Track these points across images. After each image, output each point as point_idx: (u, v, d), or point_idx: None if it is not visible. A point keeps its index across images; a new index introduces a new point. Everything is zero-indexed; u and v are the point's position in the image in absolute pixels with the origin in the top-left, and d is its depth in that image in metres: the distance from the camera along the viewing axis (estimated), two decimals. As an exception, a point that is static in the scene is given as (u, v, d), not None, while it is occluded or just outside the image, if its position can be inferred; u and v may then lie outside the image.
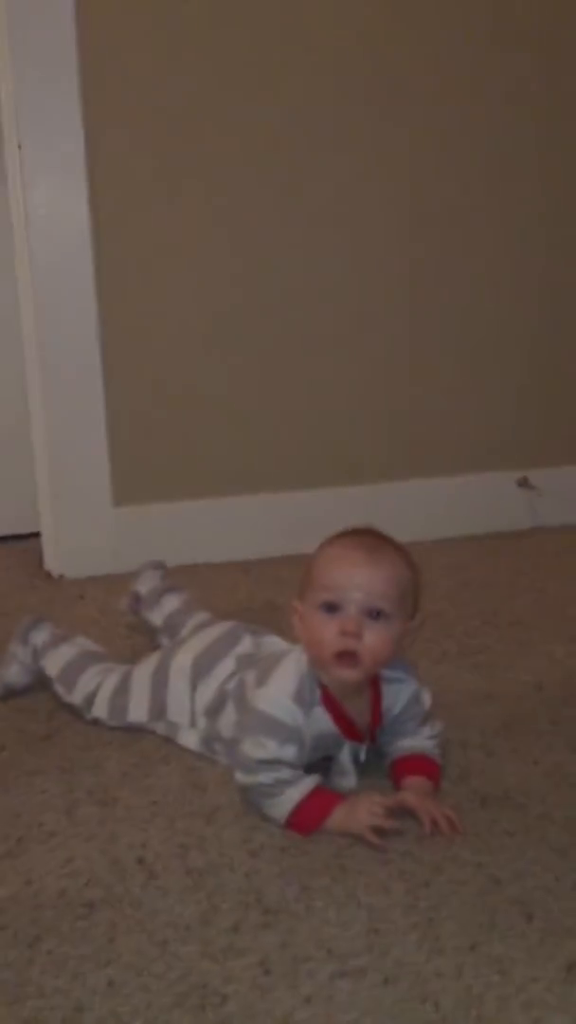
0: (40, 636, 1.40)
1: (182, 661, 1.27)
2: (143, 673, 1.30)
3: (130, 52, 1.70)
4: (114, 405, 1.82)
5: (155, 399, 1.85)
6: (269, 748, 1.09)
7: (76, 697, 1.33)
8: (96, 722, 1.32)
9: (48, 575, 1.85)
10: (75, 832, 1.11)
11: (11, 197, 1.75)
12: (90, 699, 1.32)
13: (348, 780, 1.16)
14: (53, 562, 1.85)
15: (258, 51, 1.75)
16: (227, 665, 1.24)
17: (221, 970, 0.91)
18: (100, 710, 1.31)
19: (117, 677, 1.32)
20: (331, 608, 1.08)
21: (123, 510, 1.85)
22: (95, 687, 1.32)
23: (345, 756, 1.15)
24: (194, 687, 1.25)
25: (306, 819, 1.08)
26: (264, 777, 1.09)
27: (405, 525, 1.92)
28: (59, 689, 1.35)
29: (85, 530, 1.84)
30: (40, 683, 1.40)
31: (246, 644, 1.27)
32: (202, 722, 1.24)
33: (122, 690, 1.30)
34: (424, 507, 1.97)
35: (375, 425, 1.96)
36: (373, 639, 1.07)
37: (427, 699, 1.20)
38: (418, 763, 1.16)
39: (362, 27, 1.78)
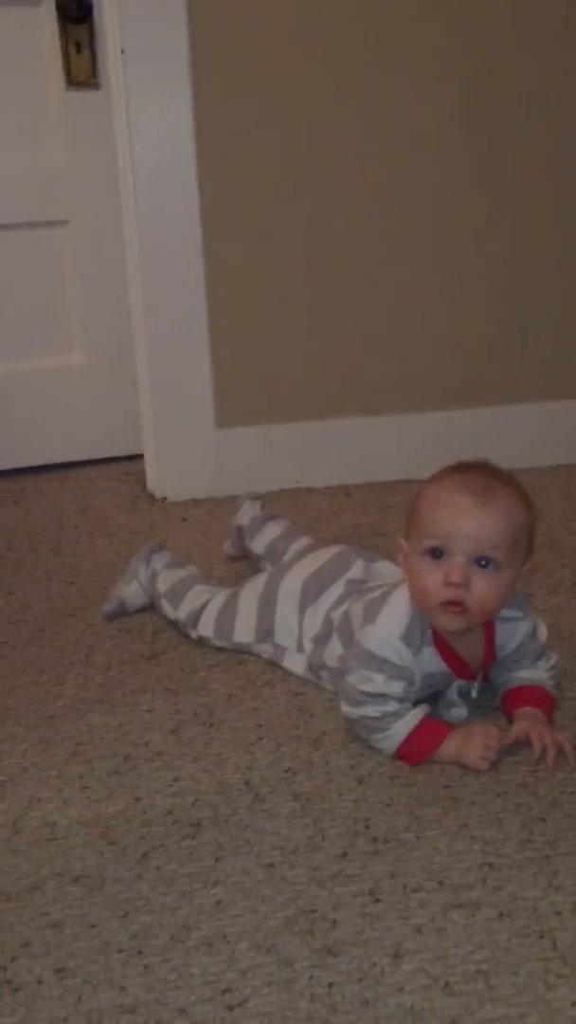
0: (160, 560, 1.39)
1: (291, 584, 1.24)
2: (251, 594, 1.28)
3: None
4: (217, 327, 1.77)
5: (258, 321, 1.80)
6: (376, 682, 1.05)
7: (182, 612, 1.32)
8: (201, 640, 1.31)
9: (151, 497, 1.84)
10: (181, 752, 1.11)
11: (112, 104, 1.69)
12: (196, 615, 1.30)
13: (459, 712, 1.12)
14: (156, 484, 1.84)
15: None
16: (336, 590, 1.21)
17: (329, 896, 0.90)
18: (206, 628, 1.30)
19: (224, 596, 1.30)
20: (436, 554, 1.02)
21: (225, 432, 1.82)
22: (202, 604, 1.31)
23: (454, 693, 1.12)
24: (303, 611, 1.22)
25: (416, 750, 1.05)
26: (371, 710, 1.06)
27: (517, 450, 1.87)
28: (166, 606, 1.34)
29: (188, 452, 1.81)
30: (150, 608, 1.40)
31: (357, 569, 1.23)
32: (309, 647, 1.22)
33: (229, 609, 1.28)
34: (536, 432, 1.88)
35: (484, 349, 1.88)
36: (481, 589, 1.01)
37: (543, 634, 1.14)
38: (532, 695, 1.11)
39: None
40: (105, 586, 1.48)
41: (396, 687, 1.06)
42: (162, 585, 1.36)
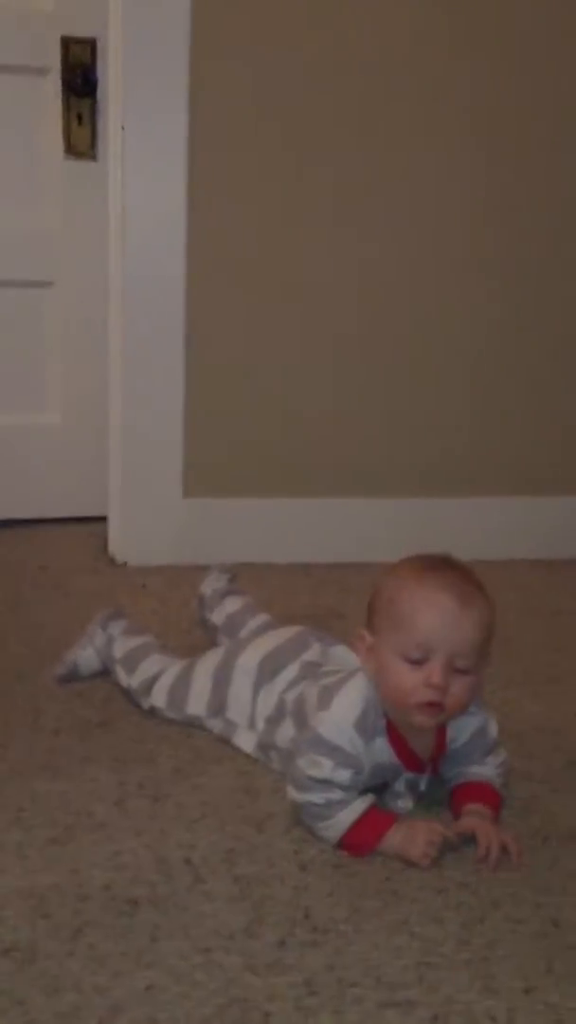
0: (118, 626, 1.39)
1: (247, 661, 1.25)
2: (206, 667, 1.28)
3: (239, 41, 1.68)
4: (192, 397, 1.80)
5: (233, 395, 1.83)
6: (324, 768, 1.05)
7: (136, 680, 1.31)
8: (152, 711, 1.30)
9: (112, 560, 1.84)
10: (124, 825, 1.09)
11: (109, 174, 1.74)
12: (149, 684, 1.30)
13: (405, 803, 1.12)
14: (118, 547, 1.84)
15: (361, 48, 1.72)
16: (292, 671, 1.21)
17: (264, 985, 0.88)
18: (159, 698, 1.29)
19: (179, 667, 1.30)
20: (415, 660, 1.03)
21: (191, 501, 1.84)
22: (156, 673, 1.30)
23: (402, 784, 1.12)
24: (257, 689, 1.22)
25: (359, 840, 1.05)
26: (316, 796, 1.05)
27: (475, 542, 1.90)
28: (120, 672, 1.34)
29: (152, 518, 1.82)
30: (102, 674, 1.39)
31: (313, 651, 1.24)
32: (261, 726, 1.21)
33: (183, 681, 1.28)
34: (490, 525, 1.92)
35: (452, 440, 1.92)
36: (457, 691, 1.03)
37: (494, 729, 1.15)
38: (480, 791, 1.12)
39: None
40: (60, 648, 1.46)
41: (343, 775, 1.06)
42: (118, 651, 1.35)
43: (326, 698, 1.10)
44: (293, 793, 1.08)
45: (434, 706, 1.02)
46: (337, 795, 1.05)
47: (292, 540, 1.88)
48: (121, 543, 1.84)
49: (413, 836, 1.03)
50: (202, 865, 1.03)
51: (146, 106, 1.66)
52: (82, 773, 1.19)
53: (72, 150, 1.82)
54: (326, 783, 1.05)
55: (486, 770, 1.14)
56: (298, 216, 1.78)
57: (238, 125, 1.72)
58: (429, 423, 1.92)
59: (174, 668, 1.31)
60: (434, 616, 1.02)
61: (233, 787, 1.17)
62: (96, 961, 0.90)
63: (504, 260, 1.87)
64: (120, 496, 1.83)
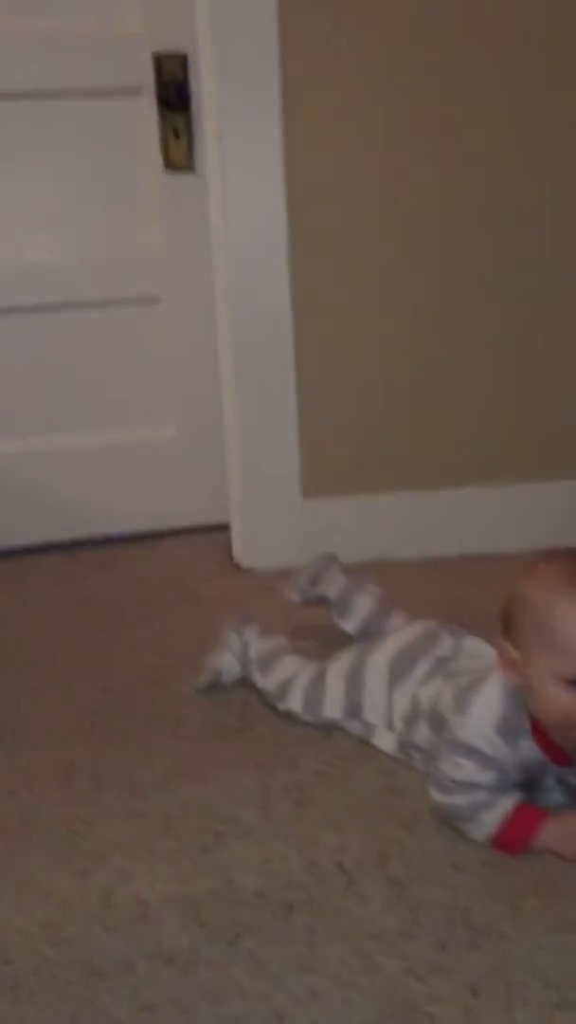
0: (251, 630, 1.40)
1: (379, 660, 1.23)
2: (339, 669, 1.27)
3: (328, 42, 1.67)
4: (305, 399, 1.80)
5: (347, 393, 1.82)
6: (466, 770, 1.03)
7: (270, 683, 1.32)
8: (289, 715, 1.30)
9: (237, 567, 1.85)
10: (272, 830, 1.10)
11: (208, 187, 1.75)
12: (284, 687, 1.30)
13: (556, 797, 1.09)
14: (242, 553, 1.86)
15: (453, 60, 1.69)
16: (424, 666, 1.19)
17: (427, 989, 0.87)
18: (295, 701, 1.29)
19: (312, 670, 1.30)
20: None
21: (311, 503, 1.83)
22: (289, 676, 1.30)
23: (551, 779, 1.09)
24: (391, 689, 1.21)
25: (510, 839, 1.02)
26: (460, 799, 1.03)
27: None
28: (256, 673, 1.34)
29: (274, 523, 1.83)
30: (243, 680, 1.40)
31: (445, 645, 1.21)
32: (399, 726, 1.20)
33: (317, 684, 1.28)
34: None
35: (573, 420, 1.86)
36: None
37: None
38: None
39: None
40: (192, 656, 1.48)
41: (487, 776, 1.03)
42: (254, 653, 1.36)
43: (463, 701, 1.07)
44: (437, 796, 1.06)
45: None
46: (482, 796, 1.03)
47: (416, 534, 1.85)
48: (245, 549, 1.85)
49: (569, 832, 1.00)
50: (354, 868, 1.03)
51: (240, 115, 1.67)
52: (226, 778, 1.20)
53: (170, 164, 1.84)
54: (470, 785, 1.03)
55: None
56: (401, 213, 1.75)
57: (334, 125, 1.71)
58: (554, 408, 1.86)
59: (307, 670, 1.30)
60: None
61: (378, 788, 1.16)
62: (257, 967, 0.91)
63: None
64: (240, 502, 1.85)
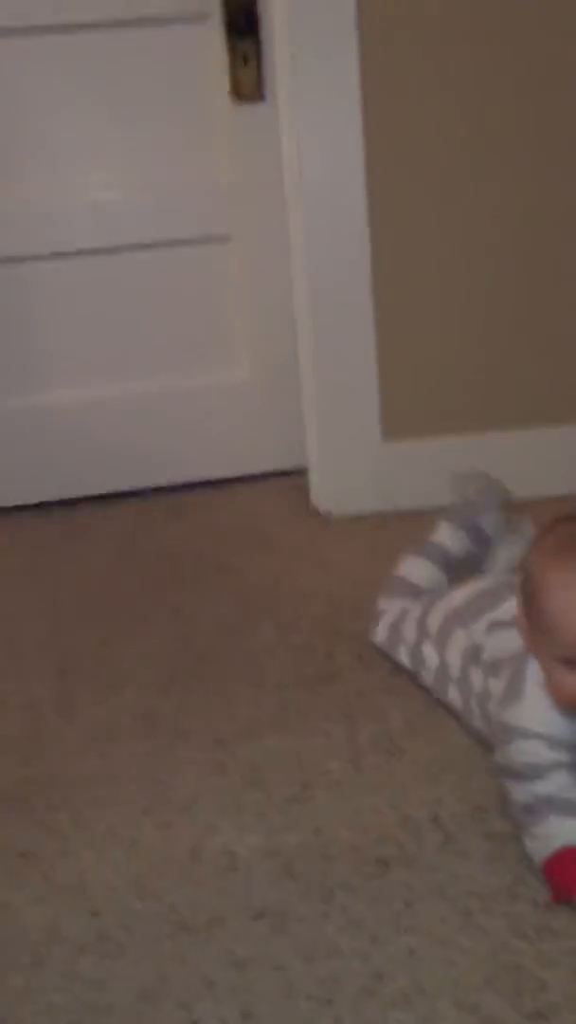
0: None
1: (435, 616, 1.16)
2: (413, 615, 1.21)
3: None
4: (384, 339, 1.72)
5: (428, 331, 1.74)
6: (534, 752, 0.91)
7: (380, 603, 1.28)
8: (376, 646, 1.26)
9: (316, 512, 1.80)
10: (362, 782, 1.06)
11: (280, 116, 1.67)
12: (378, 616, 1.27)
13: None
14: (320, 498, 1.80)
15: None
16: (478, 629, 1.09)
17: (535, 951, 0.82)
18: (381, 634, 1.25)
19: (401, 605, 1.24)
20: (573, 662, 0.88)
21: (392, 445, 1.77)
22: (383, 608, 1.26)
23: None
24: (442, 649, 1.13)
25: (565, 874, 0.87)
26: (540, 787, 0.90)
27: None
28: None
29: (353, 466, 1.77)
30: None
31: (506, 608, 1.06)
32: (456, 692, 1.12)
33: (399, 623, 1.22)
34: None
35: None
36: None
37: None
38: None
39: None
40: (273, 604, 1.44)
41: (559, 755, 0.92)
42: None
43: (510, 692, 0.96)
44: (514, 791, 0.94)
45: None
46: (563, 777, 0.91)
47: (502, 476, 1.77)
48: (323, 493, 1.80)
49: None
50: (450, 822, 0.98)
51: (314, 41, 1.58)
52: (312, 729, 1.15)
53: (239, 94, 1.75)
54: (546, 767, 0.92)
55: None
56: (483, 148, 1.65)
57: (413, 54, 1.61)
58: None
59: (399, 604, 1.25)
60: None
61: (471, 739, 1.10)
62: (352, 925, 0.87)
63: None
64: (318, 446, 1.79)
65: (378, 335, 1.72)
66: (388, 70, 1.61)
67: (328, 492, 1.79)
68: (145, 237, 1.85)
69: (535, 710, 0.93)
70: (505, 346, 1.76)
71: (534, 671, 0.94)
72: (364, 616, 1.31)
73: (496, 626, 1.07)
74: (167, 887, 0.93)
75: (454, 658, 1.12)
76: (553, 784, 0.92)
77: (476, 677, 1.07)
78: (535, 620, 0.91)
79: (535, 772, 0.92)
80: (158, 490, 1.92)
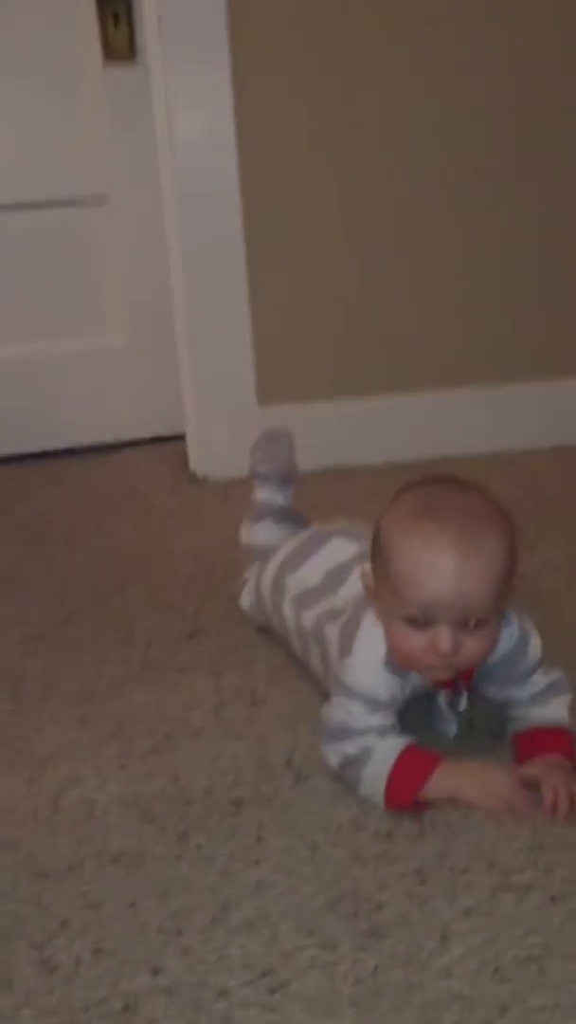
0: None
1: (269, 570, 1.20)
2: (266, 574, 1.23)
3: None
4: (258, 304, 1.75)
5: (301, 297, 1.77)
6: (355, 715, 0.96)
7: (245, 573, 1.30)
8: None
9: (194, 476, 1.82)
10: (222, 731, 1.09)
11: (151, 78, 1.67)
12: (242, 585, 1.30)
13: (449, 727, 1.02)
14: (198, 463, 1.82)
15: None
16: (313, 579, 1.12)
17: (374, 877, 0.87)
18: (245, 601, 1.29)
19: (258, 569, 1.26)
20: (418, 621, 0.90)
21: (267, 410, 1.79)
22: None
23: (442, 702, 1.01)
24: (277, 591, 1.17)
25: (402, 788, 0.93)
26: (349, 746, 0.96)
27: (558, 427, 1.82)
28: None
29: (229, 431, 1.79)
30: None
31: (344, 550, 1.11)
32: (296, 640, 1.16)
33: (257, 585, 1.25)
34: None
35: (525, 322, 1.83)
36: (471, 648, 0.91)
37: (535, 645, 1.00)
38: (548, 739, 0.98)
39: None
40: (146, 565, 1.46)
41: (376, 719, 0.96)
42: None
43: (347, 642, 0.99)
44: (324, 745, 0.99)
45: (445, 667, 0.93)
46: (370, 740, 0.96)
47: (374, 441, 1.82)
48: (201, 459, 1.82)
49: (488, 783, 0.93)
50: (304, 765, 1.02)
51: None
52: (178, 683, 1.18)
53: (111, 54, 1.75)
54: (360, 731, 0.96)
55: (548, 712, 1.00)
56: (354, 108, 1.68)
57: (282, 10, 1.62)
58: (509, 307, 1.82)
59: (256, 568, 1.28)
60: (431, 576, 0.88)
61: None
62: (204, 862, 0.90)
63: None
64: (195, 411, 1.81)
65: (252, 300, 1.74)
66: (257, 28, 1.62)
67: (205, 457, 1.81)
68: (21, 197, 1.83)
69: (365, 665, 0.96)
70: (377, 311, 1.80)
71: (370, 626, 0.97)
72: (234, 576, 1.34)
73: (332, 574, 1.09)
74: (25, 836, 0.95)
75: (291, 609, 1.14)
76: (371, 740, 0.95)
77: (307, 619, 1.10)
78: (383, 579, 0.94)
79: (344, 734, 0.96)
80: (36, 456, 1.91)
